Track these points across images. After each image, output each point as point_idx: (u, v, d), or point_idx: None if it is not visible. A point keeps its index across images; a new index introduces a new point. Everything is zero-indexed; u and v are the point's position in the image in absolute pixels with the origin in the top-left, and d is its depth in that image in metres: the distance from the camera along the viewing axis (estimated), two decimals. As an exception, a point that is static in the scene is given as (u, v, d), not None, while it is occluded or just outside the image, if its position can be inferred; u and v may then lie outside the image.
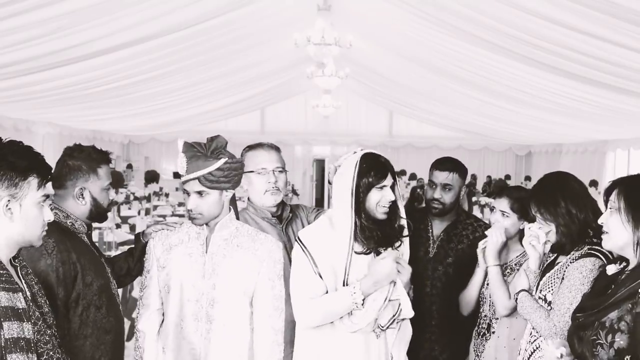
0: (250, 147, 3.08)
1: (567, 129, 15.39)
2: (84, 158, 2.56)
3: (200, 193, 2.48)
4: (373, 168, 2.52)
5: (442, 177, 3.23)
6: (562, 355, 2.14)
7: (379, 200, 2.52)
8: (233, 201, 2.73)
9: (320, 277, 2.51)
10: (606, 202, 2.07)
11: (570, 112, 12.49)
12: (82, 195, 2.54)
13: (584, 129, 14.92)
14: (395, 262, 2.50)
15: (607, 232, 2.02)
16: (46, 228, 1.94)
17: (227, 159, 2.49)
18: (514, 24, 8.02)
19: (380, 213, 2.54)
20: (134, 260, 2.84)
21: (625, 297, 1.90)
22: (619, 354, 1.86)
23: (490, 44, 9.21)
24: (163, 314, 2.60)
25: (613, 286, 1.99)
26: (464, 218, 3.36)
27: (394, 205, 2.57)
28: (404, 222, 2.64)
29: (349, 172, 2.52)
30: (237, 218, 2.77)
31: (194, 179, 2.46)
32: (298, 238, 2.60)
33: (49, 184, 1.92)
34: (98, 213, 2.61)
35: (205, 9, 8.97)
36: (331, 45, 10.57)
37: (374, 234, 2.52)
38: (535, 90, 11.21)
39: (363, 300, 2.46)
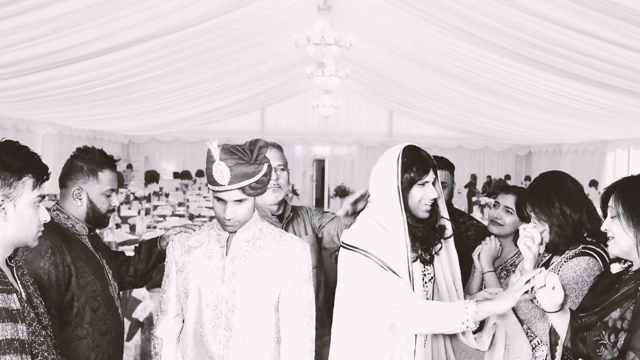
0: None
1: (567, 129, 15.39)
2: (87, 160, 2.56)
3: (239, 201, 2.29)
4: (415, 163, 2.33)
5: None
6: (554, 288, 2.08)
7: (421, 197, 2.33)
8: None
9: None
10: (604, 208, 2.05)
11: (570, 112, 12.49)
12: (80, 196, 2.54)
13: (584, 129, 14.92)
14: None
15: (612, 237, 1.99)
16: (42, 229, 1.92)
17: (268, 162, 2.32)
18: (514, 24, 8.02)
19: (422, 211, 2.35)
20: (147, 264, 2.79)
21: (627, 295, 1.88)
22: (623, 353, 1.84)
23: (490, 44, 9.21)
24: (183, 321, 2.45)
25: (616, 286, 1.98)
26: (457, 217, 3.34)
27: (434, 203, 2.39)
28: (445, 222, 2.47)
29: (392, 167, 2.34)
30: None
31: (238, 188, 2.27)
32: (348, 244, 2.36)
33: (45, 184, 1.90)
34: (95, 217, 2.58)
35: (205, 9, 8.98)
36: (331, 45, 10.57)
37: (416, 233, 2.35)
38: (535, 90, 11.21)
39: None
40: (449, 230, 2.47)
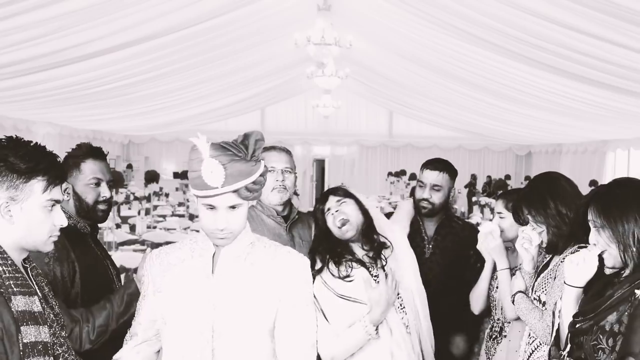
0: (264, 149, 2.98)
1: (567, 129, 15.38)
2: (71, 154, 2.58)
3: (233, 207, 1.94)
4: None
5: (431, 177, 3.22)
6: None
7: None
8: None
9: None
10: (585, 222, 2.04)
11: (570, 112, 12.48)
12: (67, 190, 2.52)
13: (584, 129, 14.91)
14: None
15: (605, 250, 1.98)
16: (57, 233, 1.85)
17: (263, 159, 2.01)
18: (514, 24, 8.02)
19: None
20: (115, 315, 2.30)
21: (623, 298, 1.87)
22: (621, 359, 1.82)
23: (490, 44, 9.21)
24: (159, 351, 2.13)
25: (610, 289, 1.96)
26: (452, 219, 3.38)
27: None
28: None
29: None
30: None
31: (233, 191, 1.91)
32: None
33: (57, 188, 1.82)
34: (84, 209, 2.54)
35: (205, 9, 8.97)
36: (331, 45, 10.57)
37: None
38: (535, 90, 11.20)
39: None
40: None
